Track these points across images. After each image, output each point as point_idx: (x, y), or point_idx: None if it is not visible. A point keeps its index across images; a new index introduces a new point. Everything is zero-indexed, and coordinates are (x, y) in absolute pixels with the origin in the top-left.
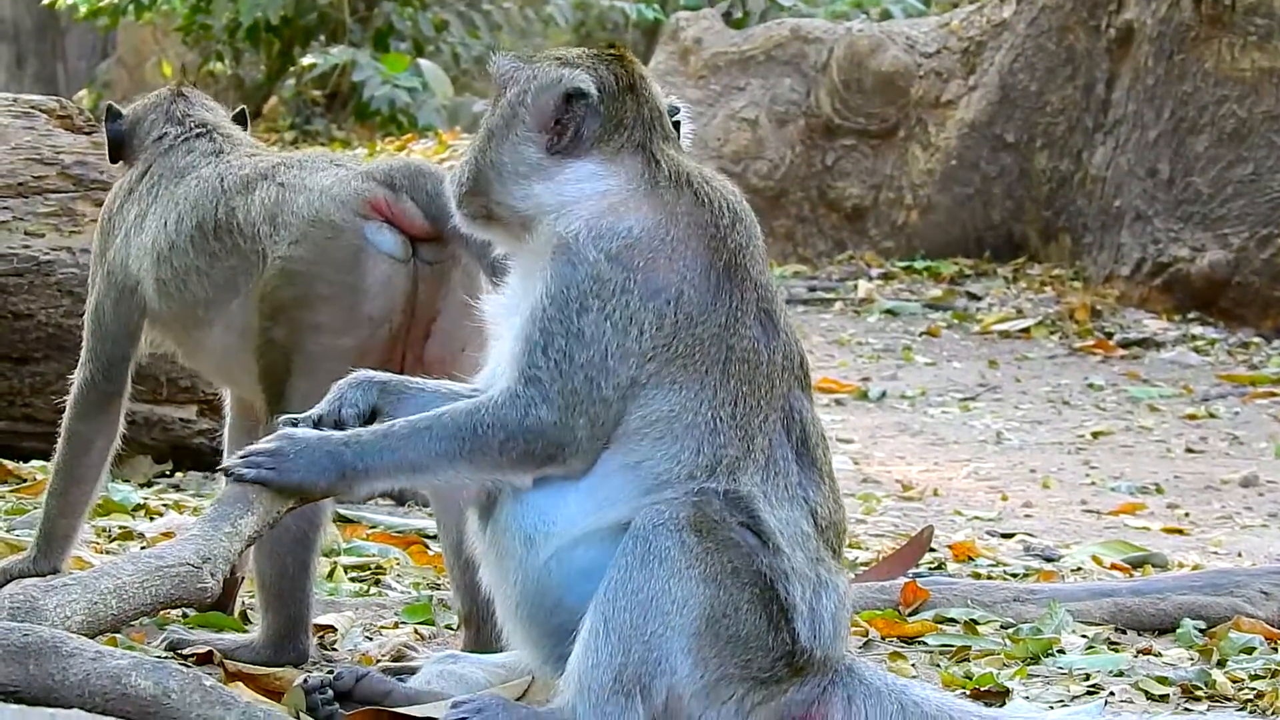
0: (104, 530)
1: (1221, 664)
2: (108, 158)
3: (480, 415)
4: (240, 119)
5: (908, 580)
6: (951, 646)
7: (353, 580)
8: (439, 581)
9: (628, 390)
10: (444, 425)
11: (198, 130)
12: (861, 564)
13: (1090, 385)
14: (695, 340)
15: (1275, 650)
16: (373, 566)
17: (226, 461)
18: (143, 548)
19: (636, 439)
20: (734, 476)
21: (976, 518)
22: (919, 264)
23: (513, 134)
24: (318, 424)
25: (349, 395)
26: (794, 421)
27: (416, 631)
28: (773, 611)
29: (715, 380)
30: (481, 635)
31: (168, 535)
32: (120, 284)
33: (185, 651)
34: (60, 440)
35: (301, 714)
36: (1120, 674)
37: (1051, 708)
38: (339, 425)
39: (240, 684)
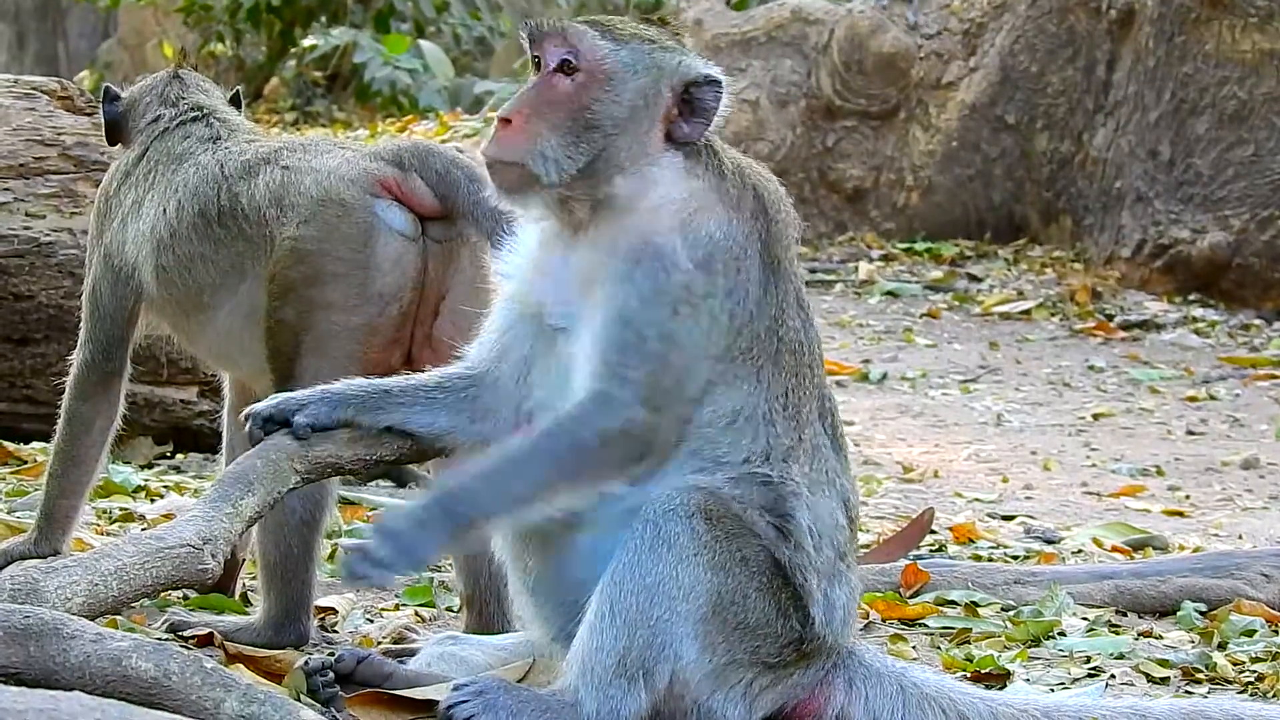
0: (105, 512)
1: (1222, 647)
2: (105, 140)
3: (578, 432)
4: (235, 101)
5: (908, 562)
6: (952, 629)
7: None
8: (440, 564)
9: (704, 388)
10: (539, 454)
11: (192, 114)
12: (862, 546)
13: (1091, 367)
14: (754, 335)
15: (1276, 633)
16: None
17: (344, 576)
18: (143, 529)
19: (704, 428)
20: (786, 464)
21: (977, 500)
22: (920, 246)
23: (639, 125)
24: (272, 419)
25: (319, 409)
26: (826, 409)
27: (417, 614)
28: (782, 599)
29: (769, 373)
30: (483, 617)
31: (168, 517)
32: (117, 268)
33: (186, 633)
34: (60, 421)
35: (302, 696)
36: (1121, 656)
37: (1052, 690)
38: (286, 424)
39: (241, 666)
